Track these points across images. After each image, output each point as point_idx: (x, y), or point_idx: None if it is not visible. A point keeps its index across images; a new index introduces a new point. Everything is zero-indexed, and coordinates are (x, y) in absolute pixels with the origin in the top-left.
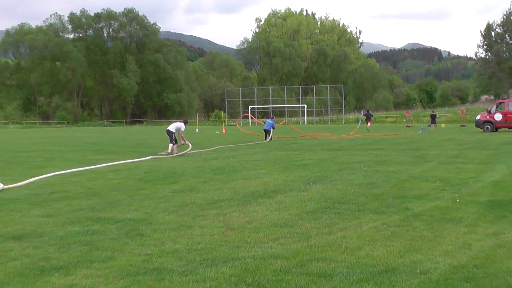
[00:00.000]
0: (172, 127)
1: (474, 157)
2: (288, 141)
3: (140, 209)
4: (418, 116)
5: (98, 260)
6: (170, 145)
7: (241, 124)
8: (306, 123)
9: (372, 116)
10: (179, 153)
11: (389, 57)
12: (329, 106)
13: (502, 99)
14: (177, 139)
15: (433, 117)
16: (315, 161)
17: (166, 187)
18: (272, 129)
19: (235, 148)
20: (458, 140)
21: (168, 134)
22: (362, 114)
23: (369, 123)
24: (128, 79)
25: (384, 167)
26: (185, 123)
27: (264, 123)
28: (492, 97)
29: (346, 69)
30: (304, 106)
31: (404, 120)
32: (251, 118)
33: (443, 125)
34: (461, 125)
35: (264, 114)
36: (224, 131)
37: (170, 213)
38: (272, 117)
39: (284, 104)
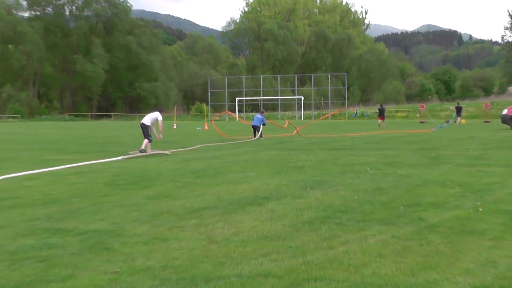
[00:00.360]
0: (147, 119)
1: (500, 158)
2: (282, 139)
3: (107, 219)
4: (434, 111)
5: (56, 280)
6: (145, 141)
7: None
8: (302, 117)
9: (385, 110)
10: (155, 152)
11: (400, 41)
12: (330, 99)
13: None
14: (152, 134)
15: (458, 110)
16: (313, 162)
17: (138, 192)
18: (262, 126)
19: (219, 147)
20: (481, 139)
21: (142, 128)
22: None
23: (380, 120)
24: (94, 65)
25: (394, 169)
26: (160, 111)
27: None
28: None
29: (350, 55)
30: (301, 98)
31: (418, 115)
32: (233, 115)
33: (463, 120)
34: (485, 121)
35: (254, 107)
36: (206, 127)
37: (142, 223)
38: (262, 112)
39: (278, 96)
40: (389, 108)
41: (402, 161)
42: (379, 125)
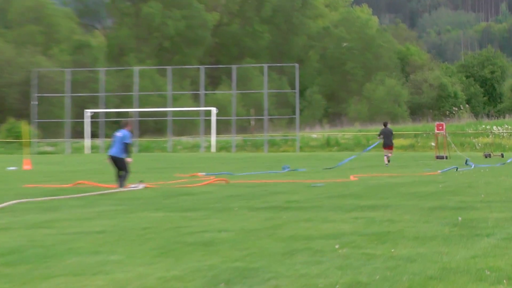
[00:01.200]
0: None
1: None
2: (175, 190)
3: None
4: (463, 136)
5: None
6: None
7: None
8: (214, 147)
9: (392, 134)
10: None
11: (401, 3)
12: (266, 111)
13: None
14: None
15: None
16: (232, 234)
17: None
18: (124, 156)
19: (52, 205)
20: None
21: None
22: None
23: (388, 151)
24: None
25: (387, 248)
26: None
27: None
28: None
29: (306, 29)
30: (211, 111)
31: (433, 144)
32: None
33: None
34: None
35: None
36: (28, 166)
37: None
38: (126, 124)
39: (167, 107)
40: (376, 128)
41: (402, 232)
42: (387, 164)
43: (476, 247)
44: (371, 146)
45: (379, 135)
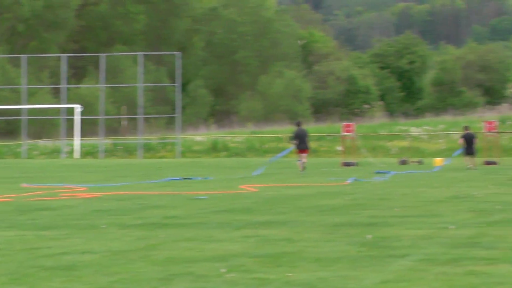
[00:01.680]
0: None
1: None
2: (30, 204)
3: None
4: (375, 138)
5: None
6: None
7: None
8: (79, 153)
9: (306, 136)
10: None
11: None
12: (142, 108)
13: None
14: None
15: (468, 138)
16: (99, 256)
17: None
18: None
19: None
20: (476, 201)
21: None
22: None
23: (303, 156)
24: None
25: (283, 272)
26: None
27: None
28: None
29: (190, 11)
30: (75, 109)
31: (340, 148)
32: None
33: (438, 160)
34: (487, 162)
35: None
36: None
37: None
38: None
39: (21, 105)
40: (273, 130)
41: (301, 253)
42: (302, 171)
43: (387, 270)
44: (284, 153)
45: (292, 138)
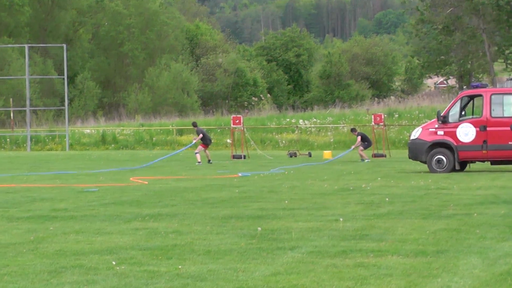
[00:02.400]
0: None
1: (404, 236)
2: None
3: None
4: (264, 130)
5: None
6: None
7: None
8: None
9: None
10: None
11: None
12: (28, 100)
13: (473, 87)
14: None
15: (363, 138)
16: None
17: None
18: None
19: None
20: (365, 193)
21: None
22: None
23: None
24: None
25: (173, 264)
26: None
27: None
28: (445, 80)
29: (76, 3)
30: None
31: (229, 141)
32: None
33: (325, 153)
34: (375, 155)
35: None
36: None
37: None
38: None
39: None
40: (162, 122)
41: (191, 245)
42: (199, 163)
43: (277, 262)
44: (187, 146)
45: (198, 132)
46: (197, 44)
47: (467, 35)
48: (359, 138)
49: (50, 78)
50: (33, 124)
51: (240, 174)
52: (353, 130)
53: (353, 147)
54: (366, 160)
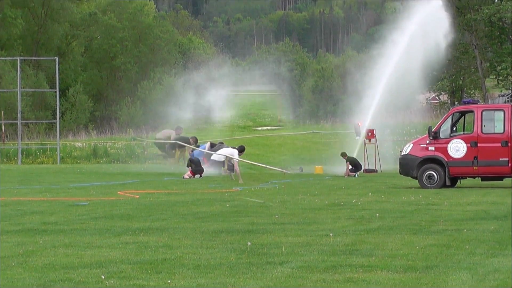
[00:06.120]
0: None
1: (393, 251)
2: None
3: None
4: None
5: None
6: None
7: None
8: None
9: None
10: None
11: None
12: (19, 114)
13: (465, 103)
14: None
15: (353, 163)
16: None
17: None
18: None
19: None
20: (355, 208)
21: None
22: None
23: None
24: None
25: (163, 279)
26: None
27: None
28: (437, 96)
29: (68, 16)
30: None
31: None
32: None
33: (317, 168)
34: (366, 170)
35: None
36: None
37: None
38: None
39: None
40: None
41: (181, 259)
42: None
43: (267, 277)
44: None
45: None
46: (190, 58)
47: (460, 51)
48: (347, 165)
49: (42, 91)
50: (24, 137)
51: (238, 189)
52: (343, 155)
53: (346, 176)
54: (356, 175)
